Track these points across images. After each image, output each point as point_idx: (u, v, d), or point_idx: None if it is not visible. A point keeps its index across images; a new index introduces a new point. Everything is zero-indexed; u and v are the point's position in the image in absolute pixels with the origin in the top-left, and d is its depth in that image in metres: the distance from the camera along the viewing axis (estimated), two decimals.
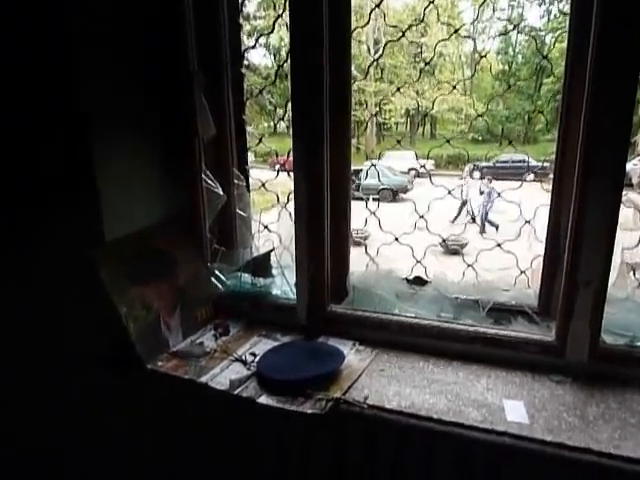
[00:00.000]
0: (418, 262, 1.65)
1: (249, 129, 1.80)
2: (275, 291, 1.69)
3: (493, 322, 1.47)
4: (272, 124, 1.82)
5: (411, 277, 1.67)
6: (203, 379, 1.34)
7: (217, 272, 1.74)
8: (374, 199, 1.84)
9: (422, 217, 1.57)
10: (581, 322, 1.28)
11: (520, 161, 5.04)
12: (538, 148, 7.99)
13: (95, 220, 1.42)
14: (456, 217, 6.51)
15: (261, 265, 1.74)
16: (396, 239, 1.62)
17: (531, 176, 1.62)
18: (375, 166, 1.88)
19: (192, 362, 1.44)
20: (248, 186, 1.81)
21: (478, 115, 1.89)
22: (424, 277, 1.65)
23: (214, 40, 1.58)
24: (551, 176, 1.37)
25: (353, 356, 1.43)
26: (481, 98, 8.30)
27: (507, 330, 1.41)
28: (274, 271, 1.76)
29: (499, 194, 1.66)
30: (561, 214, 1.35)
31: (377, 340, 1.49)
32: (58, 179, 1.47)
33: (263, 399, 1.24)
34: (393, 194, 7.60)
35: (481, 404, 1.20)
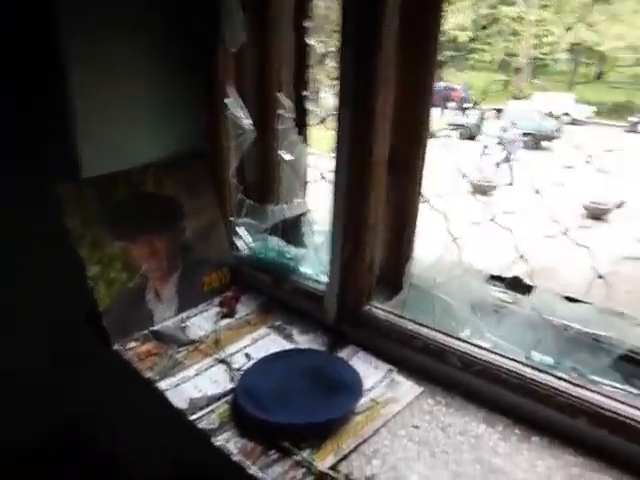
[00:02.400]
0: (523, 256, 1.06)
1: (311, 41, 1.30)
2: (306, 268, 1.24)
3: (624, 381, 0.89)
4: None
5: (505, 275, 1.12)
6: (165, 383, 0.97)
7: (239, 230, 1.34)
8: None
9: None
10: None
11: None
12: None
13: (66, 145, 1.08)
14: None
15: (294, 228, 1.30)
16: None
17: None
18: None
19: (170, 350, 1.08)
20: (303, 119, 1.34)
21: None
22: (526, 279, 1.08)
23: None
24: None
25: (382, 390, 0.95)
26: None
27: None
28: (313, 239, 1.30)
29: None
30: None
31: (423, 370, 0.99)
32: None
33: (222, 439, 0.84)
34: (536, 141, 6.68)
35: None
